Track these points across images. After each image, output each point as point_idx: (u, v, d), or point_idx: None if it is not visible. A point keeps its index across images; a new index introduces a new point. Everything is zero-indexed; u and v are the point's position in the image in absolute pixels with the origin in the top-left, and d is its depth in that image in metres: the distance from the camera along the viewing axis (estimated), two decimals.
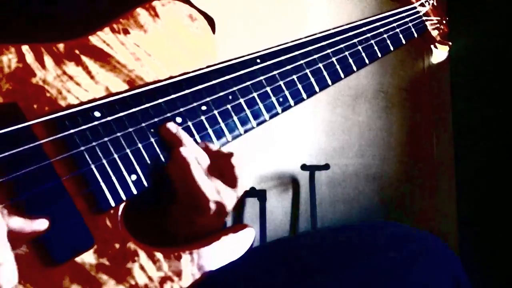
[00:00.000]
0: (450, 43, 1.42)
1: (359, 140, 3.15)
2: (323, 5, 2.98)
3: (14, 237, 0.63)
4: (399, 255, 0.87)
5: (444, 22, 1.41)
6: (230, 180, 0.83)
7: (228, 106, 0.90)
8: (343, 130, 3.10)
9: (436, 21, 1.38)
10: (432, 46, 1.41)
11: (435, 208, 3.27)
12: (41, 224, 0.66)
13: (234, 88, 0.92)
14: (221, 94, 0.90)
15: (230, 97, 0.91)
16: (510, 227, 2.81)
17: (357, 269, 0.86)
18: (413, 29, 1.28)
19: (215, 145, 0.86)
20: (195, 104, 0.86)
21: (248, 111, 0.93)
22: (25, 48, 0.73)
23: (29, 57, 0.73)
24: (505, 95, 2.90)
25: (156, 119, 0.81)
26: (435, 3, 1.38)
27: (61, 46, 0.77)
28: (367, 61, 1.13)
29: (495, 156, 2.97)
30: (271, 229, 2.49)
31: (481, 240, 3.00)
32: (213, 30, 0.99)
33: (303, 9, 2.88)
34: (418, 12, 1.32)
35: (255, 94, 0.94)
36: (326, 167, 2.83)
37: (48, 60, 0.75)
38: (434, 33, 1.38)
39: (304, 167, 2.78)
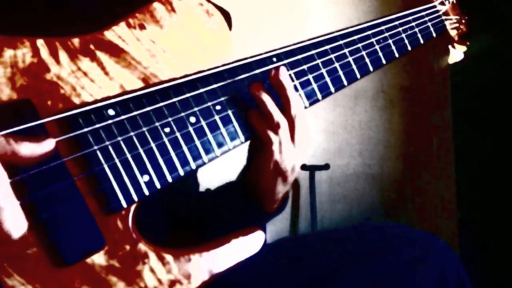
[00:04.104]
0: (468, 43, 1.39)
1: (359, 140, 3.15)
2: (323, 7, 2.96)
3: (25, 162, 0.63)
4: (402, 256, 0.88)
5: (463, 21, 1.37)
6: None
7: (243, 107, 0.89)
8: (343, 130, 3.09)
9: (455, 21, 1.34)
10: (449, 46, 1.39)
11: (435, 207, 3.27)
12: (49, 144, 0.65)
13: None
14: (236, 94, 0.88)
15: (246, 96, 0.89)
16: (510, 227, 2.81)
17: (361, 271, 0.87)
18: (431, 29, 1.24)
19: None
20: (209, 103, 0.84)
21: None
22: (40, 43, 0.71)
23: (44, 52, 0.71)
24: (505, 94, 2.90)
25: (170, 119, 0.80)
26: (454, 2, 1.34)
27: (76, 41, 0.75)
28: (384, 61, 1.10)
29: (495, 156, 2.97)
30: (271, 229, 2.48)
31: (481, 240, 3.01)
32: (230, 26, 0.97)
33: (304, 11, 2.86)
34: (438, 11, 1.28)
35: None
36: (326, 167, 2.83)
37: (62, 55, 0.73)
38: (453, 32, 1.34)
39: (304, 167, 2.77)
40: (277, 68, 0.88)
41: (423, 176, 3.29)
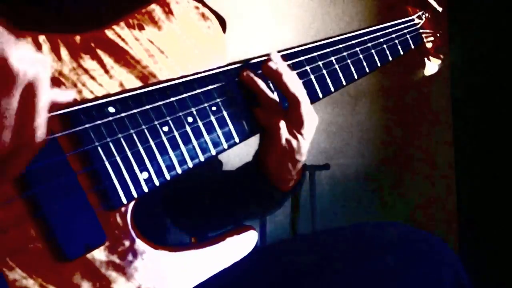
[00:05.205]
0: (442, 56, 1.43)
1: (359, 140, 3.15)
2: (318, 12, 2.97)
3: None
4: (402, 255, 0.88)
5: (438, 35, 1.42)
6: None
7: (237, 108, 0.90)
8: (343, 130, 3.10)
9: (430, 34, 1.39)
10: (425, 59, 1.43)
11: (435, 208, 3.28)
12: (71, 94, 0.67)
13: (244, 90, 0.92)
14: (231, 95, 0.90)
15: (240, 98, 0.91)
16: (510, 227, 2.82)
17: (360, 270, 0.87)
18: (410, 41, 1.30)
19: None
20: (205, 104, 0.86)
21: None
22: (42, 38, 0.72)
23: (46, 48, 0.72)
24: (506, 94, 2.91)
25: (168, 118, 0.81)
26: (429, 16, 1.39)
27: (77, 38, 0.76)
28: (367, 70, 1.14)
29: (495, 156, 2.98)
30: (271, 229, 2.48)
31: (481, 240, 3.01)
32: (224, 30, 0.99)
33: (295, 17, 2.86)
34: (415, 24, 1.34)
35: None
36: (326, 167, 2.83)
37: (64, 51, 0.74)
38: (429, 45, 1.40)
39: (304, 167, 2.76)
40: (267, 59, 0.93)
41: (422, 176, 3.30)
